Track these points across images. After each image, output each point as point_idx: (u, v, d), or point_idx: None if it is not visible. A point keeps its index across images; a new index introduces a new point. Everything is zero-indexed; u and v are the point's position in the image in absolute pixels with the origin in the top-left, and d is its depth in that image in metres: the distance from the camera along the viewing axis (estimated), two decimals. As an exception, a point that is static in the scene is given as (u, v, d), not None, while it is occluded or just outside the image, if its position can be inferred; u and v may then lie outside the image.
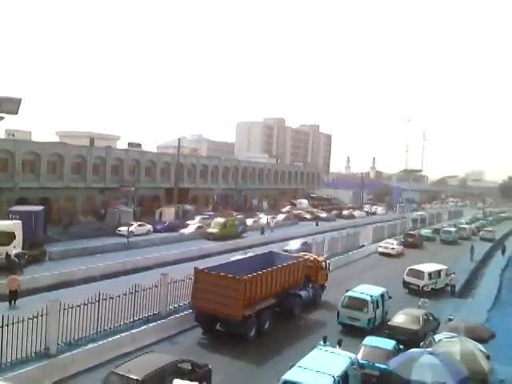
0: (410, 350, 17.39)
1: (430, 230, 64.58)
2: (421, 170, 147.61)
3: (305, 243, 41.10)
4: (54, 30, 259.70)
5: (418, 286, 32.94)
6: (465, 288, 35.89)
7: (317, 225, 68.91)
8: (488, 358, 18.10)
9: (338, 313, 24.28)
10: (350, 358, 16.48)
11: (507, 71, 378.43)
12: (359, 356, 18.13)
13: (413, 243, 53.27)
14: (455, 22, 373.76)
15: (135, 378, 13.34)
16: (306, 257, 29.47)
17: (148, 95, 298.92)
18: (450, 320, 22.88)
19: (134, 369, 13.78)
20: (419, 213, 69.87)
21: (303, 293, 26.89)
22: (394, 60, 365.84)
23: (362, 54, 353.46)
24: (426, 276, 33.16)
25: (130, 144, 69.25)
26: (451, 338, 18.58)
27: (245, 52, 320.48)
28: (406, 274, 34.00)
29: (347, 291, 24.87)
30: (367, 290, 25.08)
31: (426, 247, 55.52)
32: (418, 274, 33.51)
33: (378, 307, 24.42)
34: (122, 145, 72.01)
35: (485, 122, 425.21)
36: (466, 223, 77.45)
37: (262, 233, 55.73)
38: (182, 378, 13.99)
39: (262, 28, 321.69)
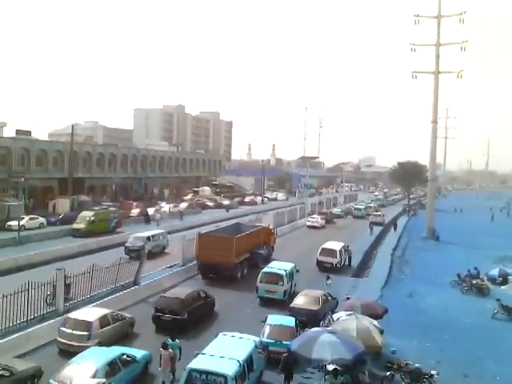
0: (310, 330, 18.06)
1: (340, 209, 77.57)
2: (318, 157, 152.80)
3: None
4: None
5: (332, 264, 35.27)
6: (360, 268, 37.91)
7: (227, 211, 71.20)
8: (382, 332, 19.28)
9: (257, 288, 26.64)
10: (254, 341, 16.93)
11: (398, 66, 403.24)
12: (265, 335, 18.82)
13: (326, 219, 63.49)
14: (353, 17, 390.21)
15: (180, 297, 21.82)
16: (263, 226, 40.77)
17: (38, 79, 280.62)
18: (348, 299, 24.03)
19: (176, 293, 22.58)
20: None
21: (262, 251, 35.93)
22: (293, 49, 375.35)
23: (260, 41, 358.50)
24: (338, 254, 35.75)
25: (18, 131, 64.44)
26: (348, 316, 19.54)
27: (141, 36, 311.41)
28: (320, 254, 35.94)
29: (262, 268, 28.35)
30: (280, 266, 28.30)
31: (336, 222, 66.90)
32: (331, 252, 35.84)
33: (291, 280, 27.27)
34: (8, 132, 66.98)
35: (376, 111, 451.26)
36: (368, 203, 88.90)
37: (181, 218, 59.64)
38: (197, 302, 22.68)
39: (162, 14, 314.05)
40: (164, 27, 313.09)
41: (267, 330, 19.29)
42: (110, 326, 19.35)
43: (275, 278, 26.61)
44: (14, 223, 42.94)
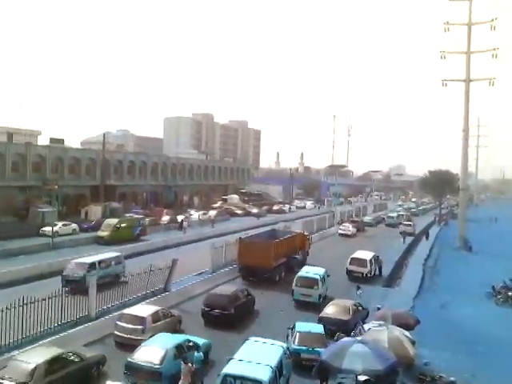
0: (341, 340, 17.87)
1: (371, 218, 78.54)
2: (346, 166, 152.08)
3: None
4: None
5: (362, 274, 34.97)
6: (391, 278, 37.30)
7: (258, 219, 73.09)
8: (414, 343, 18.96)
9: (293, 291, 27.81)
10: (282, 347, 17.07)
11: (429, 72, 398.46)
12: (296, 342, 18.95)
13: (357, 227, 64.18)
14: (382, 25, 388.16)
15: (226, 294, 23.84)
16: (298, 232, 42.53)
17: (71, 88, 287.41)
18: (379, 309, 23.70)
19: (224, 290, 24.55)
20: None
21: (298, 256, 37.49)
22: (321, 57, 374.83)
23: (288, 49, 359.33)
24: (369, 264, 35.33)
25: (51, 140, 66.09)
26: (379, 326, 19.25)
27: (171, 46, 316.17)
28: (349, 264, 35.64)
29: (297, 272, 29.40)
30: (313, 270, 29.34)
31: (367, 230, 67.32)
32: (361, 262, 35.39)
33: (324, 284, 28.29)
34: (43, 141, 68.71)
35: (405, 119, 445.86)
36: (399, 211, 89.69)
37: (212, 225, 60.50)
38: (241, 299, 24.54)
39: (189, 22, 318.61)
40: (194, 37, 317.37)
41: (297, 337, 19.36)
42: (161, 322, 20.88)
43: (310, 283, 27.71)
44: (47, 229, 44.11)
